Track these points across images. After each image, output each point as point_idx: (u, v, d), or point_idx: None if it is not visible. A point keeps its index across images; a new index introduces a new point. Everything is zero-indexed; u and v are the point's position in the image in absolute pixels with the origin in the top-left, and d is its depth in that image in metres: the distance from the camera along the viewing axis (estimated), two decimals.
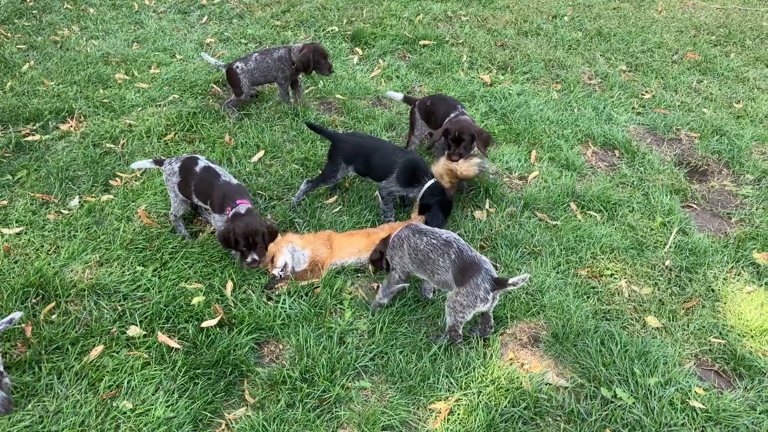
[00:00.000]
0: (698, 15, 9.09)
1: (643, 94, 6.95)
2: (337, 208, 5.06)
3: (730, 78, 7.32)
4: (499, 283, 3.61)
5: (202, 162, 4.53)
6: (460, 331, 3.80)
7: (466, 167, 4.88)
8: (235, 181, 4.51)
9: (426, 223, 4.63)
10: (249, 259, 4.24)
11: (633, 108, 6.69)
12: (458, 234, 4.82)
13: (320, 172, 5.09)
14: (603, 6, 9.19)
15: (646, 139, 6.19)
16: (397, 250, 3.97)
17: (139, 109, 6.23)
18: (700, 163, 5.82)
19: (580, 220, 5.00)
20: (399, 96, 5.93)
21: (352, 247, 4.53)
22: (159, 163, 4.69)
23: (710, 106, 6.73)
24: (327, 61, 5.91)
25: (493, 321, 3.94)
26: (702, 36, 8.36)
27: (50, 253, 4.47)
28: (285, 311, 4.06)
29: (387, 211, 4.93)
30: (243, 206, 4.29)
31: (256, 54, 6.03)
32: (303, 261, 4.46)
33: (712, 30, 8.57)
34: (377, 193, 4.99)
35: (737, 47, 8.11)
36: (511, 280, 3.54)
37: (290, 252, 4.40)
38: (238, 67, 5.97)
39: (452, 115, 5.19)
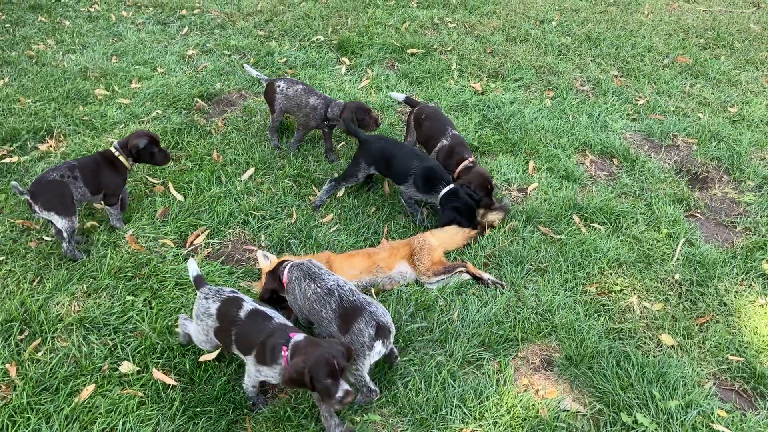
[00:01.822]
0: (685, 18, 9.04)
1: (636, 100, 6.85)
2: (334, 227, 4.87)
3: (723, 82, 7.25)
4: (381, 331, 3.35)
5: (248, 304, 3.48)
6: (371, 385, 3.46)
7: (494, 216, 4.93)
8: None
9: (444, 224, 4.71)
10: (341, 393, 3.04)
11: (628, 114, 6.58)
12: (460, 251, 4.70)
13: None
14: (590, 10, 9.11)
15: (644, 147, 6.08)
16: (290, 294, 3.73)
17: (122, 126, 5.99)
18: (700, 170, 5.72)
19: (584, 234, 4.86)
20: (401, 96, 5.89)
21: (353, 269, 4.31)
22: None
23: (705, 110, 6.64)
24: (371, 116, 5.34)
25: (396, 352, 3.74)
26: (691, 39, 8.30)
27: (34, 284, 4.23)
28: None
29: (413, 212, 4.99)
30: (299, 336, 3.24)
31: (302, 86, 5.58)
32: None
33: (700, 33, 8.52)
34: (400, 196, 5.04)
35: (726, 50, 8.06)
36: (391, 331, 3.40)
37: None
38: (279, 86, 5.63)
39: (441, 144, 5.16)
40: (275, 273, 3.87)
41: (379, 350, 3.43)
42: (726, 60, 7.78)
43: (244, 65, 6.14)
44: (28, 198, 4.25)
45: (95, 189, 4.47)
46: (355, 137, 5.22)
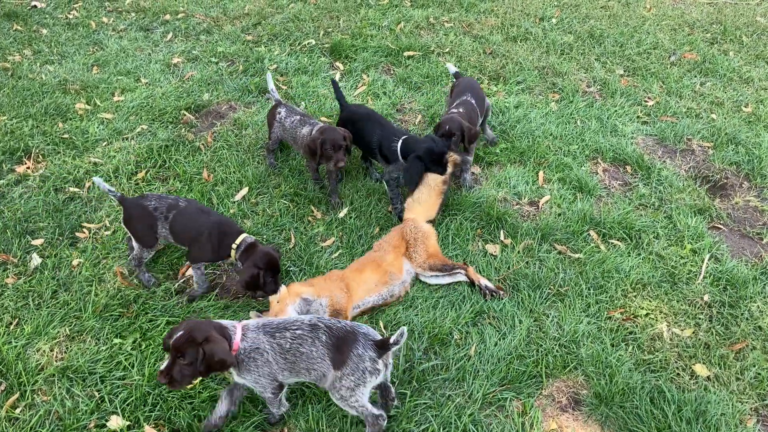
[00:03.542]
0: (689, 11, 8.72)
1: (646, 101, 6.53)
2: (337, 253, 4.53)
3: (734, 79, 6.94)
4: (383, 346, 3.03)
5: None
6: (374, 410, 3.14)
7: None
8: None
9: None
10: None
11: (638, 117, 6.26)
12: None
13: None
14: (590, 5, 8.76)
15: (657, 152, 5.76)
16: (255, 361, 3.08)
17: (105, 143, 5.61)
18: (718, 176, 5.41)
19: (603, 252, 4.54)
20: (453, 69, 5.93)
21: (368, 283, 4.09)
22: None
23: (718, 111, 6.33)
24: (339, 153, 4.64)
25: (393, 391, 3.39)
26: (697, 34, 7.98)
27: (11, 327, 3.87)
28: (289, 386, 3.52)
29: (394, 197, 4.88)
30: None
31: (299, 116, 5.05)
32: (323, 312, 3.91)
33: (706, 27, 8.20)
34: (384, 181, 5.00)
35: (735, 45, 7.75)
36: (392, 339, 2.98)
37: (297, 311, 3.85)
38: (280, 113, 5.14)
39: (456, 101, 5.26)
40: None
41: (382, 372, 3.11)
42: (735, 56, 7.46)
43: (268, 74, 5.49)
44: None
45: (178, 238, 4.05)
46: (338, 101, 5.27)
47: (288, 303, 3.80)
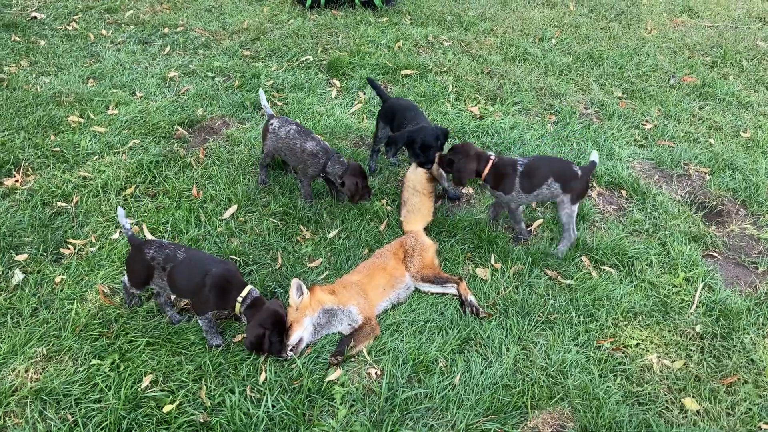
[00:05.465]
0: (690, 34, 8.68)
1: (643, 124, 6.47)
2: (324, 274, 4.46)
3: (733, 104, 6.88)
4: None
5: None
6: None
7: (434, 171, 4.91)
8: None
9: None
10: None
11: (635, 140, 6.20)
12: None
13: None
14: (590, 26, 8.73)
15: (653, 177, 5.69)
16: None
17: (95, 157, 5.56)
18: (714, 203, 5.34)
19: (595, 278, 4.47)
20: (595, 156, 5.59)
21: (378, 288, 4.13)
22: None
23: (716, 136, 6.27)
24: (366, 181, 4.78)
25: None
26: (697, 57, 7.94)
27: None
28: (267, 414, 3.44)
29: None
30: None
31: (295, 126, 4.91)
32: (355, 320, 3.93)
33: (706, 50, 8.16)
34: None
35: (735, 69, 7.70)
36: None
37: (315, 323, 3.85)
38: (272, 124, 4.99)
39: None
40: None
41: None
42: (735, 80, 7.41)
43: (260, 90, 5.37)
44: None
45: (174, 289, 3.79)
46: (379, 96, 5.58)
47: (306, 314, 3.81)
